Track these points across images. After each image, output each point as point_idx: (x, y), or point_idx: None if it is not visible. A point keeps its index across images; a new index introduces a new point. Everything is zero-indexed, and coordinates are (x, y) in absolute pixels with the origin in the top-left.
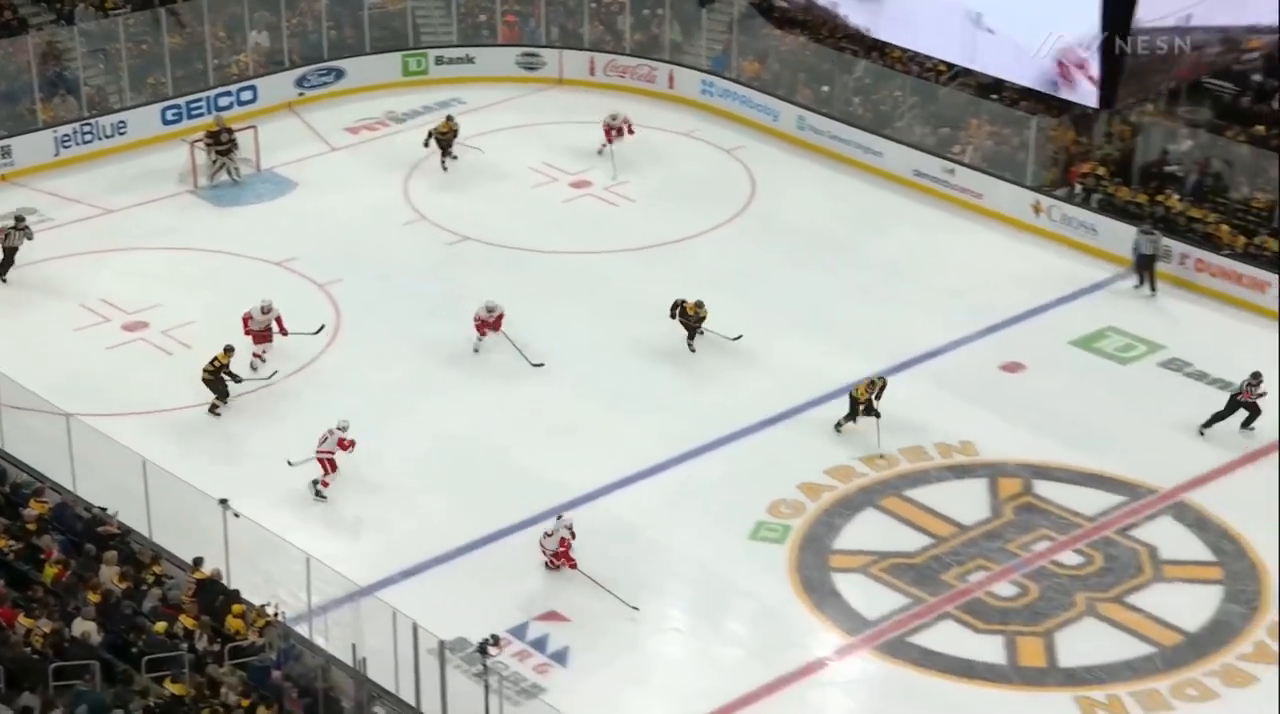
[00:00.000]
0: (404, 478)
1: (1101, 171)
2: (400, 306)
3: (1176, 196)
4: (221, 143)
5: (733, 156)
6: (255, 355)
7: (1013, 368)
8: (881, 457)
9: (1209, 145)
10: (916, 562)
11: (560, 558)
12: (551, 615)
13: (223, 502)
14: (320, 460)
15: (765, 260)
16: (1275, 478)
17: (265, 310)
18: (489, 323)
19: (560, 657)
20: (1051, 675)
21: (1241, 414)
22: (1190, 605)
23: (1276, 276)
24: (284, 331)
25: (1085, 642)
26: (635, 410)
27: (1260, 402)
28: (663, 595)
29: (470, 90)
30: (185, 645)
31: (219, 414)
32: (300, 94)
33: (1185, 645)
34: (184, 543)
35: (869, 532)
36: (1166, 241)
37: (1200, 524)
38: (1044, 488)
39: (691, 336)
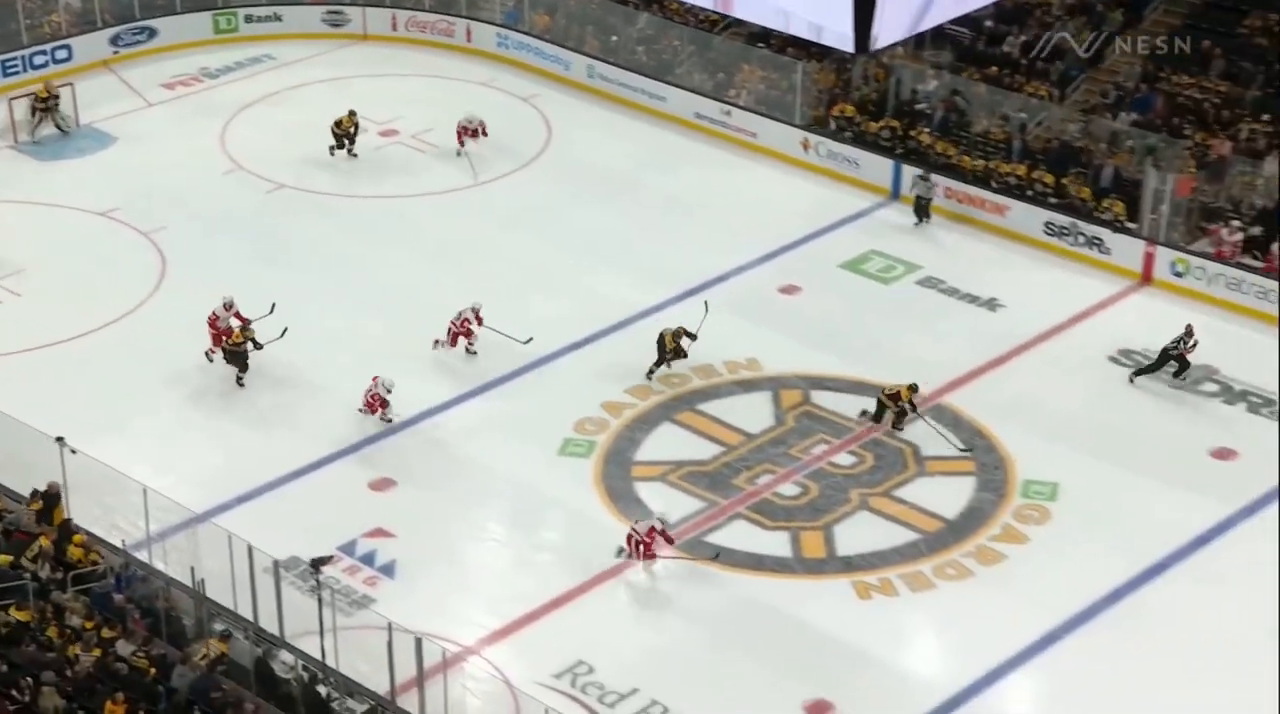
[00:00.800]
0: (234, 410)
1: (849, 111)
2: (224, 250)
3: (926, 131)
4: (46, 104)
5: (529, 104)
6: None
7: (789, 291)
8: (676, 375)
9: (951, 84)
10: (710, 469)
11: (647, 544)
12: (378, 532)
13: (59, 439)
14: (368, 402)
15: (563, 199)
16: (1020, 379)
17: (228, 307)
18: (468, 327)
19: (388, 569)
20: (831, 564)
21: (1174, 364)
22: (948, 496)
23: (1013, 201)
24: (244, 321)
25: (859, 533)
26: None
27: (1190, 355)
28: (481, 509)
29: (279, 47)
30: (28, 575)
31: (243, 385)
32: (115, 52)
33: (945, 531)
34: (24, 480)
35: (666, 443)
36: (936, 181)
37: (956, 423)
38: (821, 397)
39: (659, 365)
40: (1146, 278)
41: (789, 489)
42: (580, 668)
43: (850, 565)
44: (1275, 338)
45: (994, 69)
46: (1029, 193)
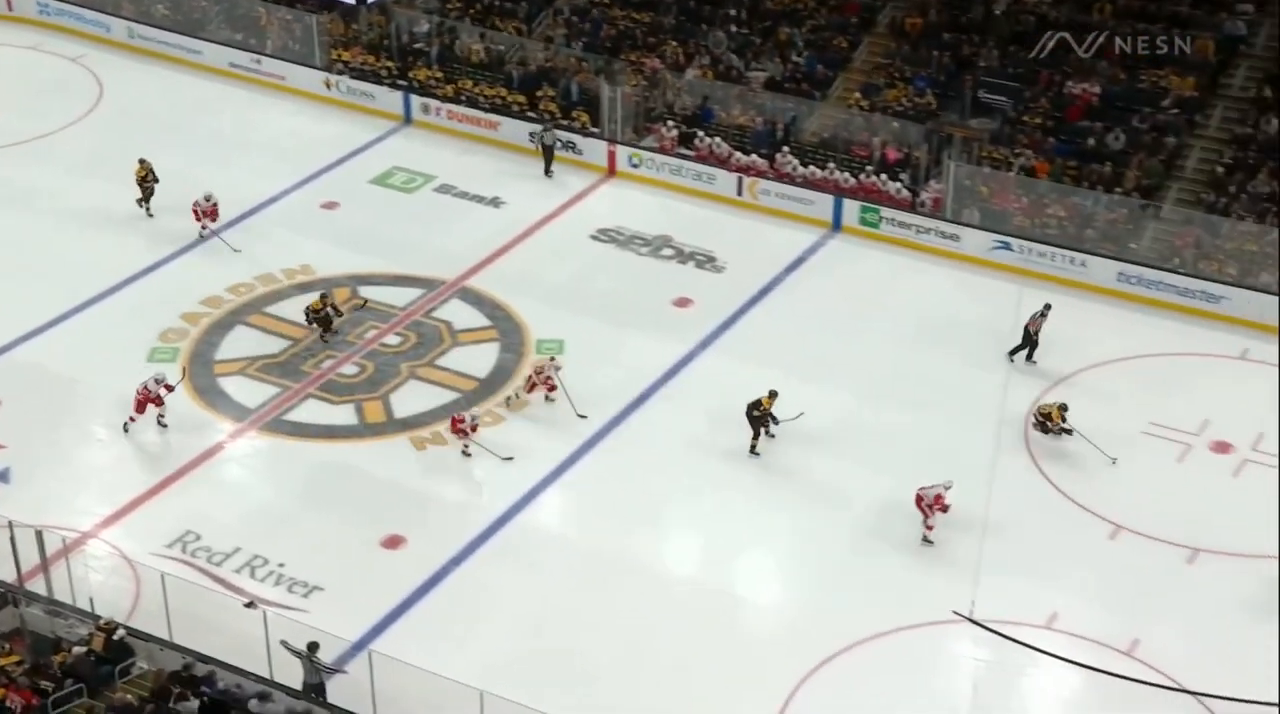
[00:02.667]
0: None
1: (348, 55)
2: None
3: (424, 66)
4: None
5: (78, 64)
6: (160, 417)
7: (330, 206)
8: (244, 285)
9: (442, 24)
10: (281, 360)
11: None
12: None
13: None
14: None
15: (126, 144)
16: (525, 260)
17: (158, 381)
18: (543, 381)
19: (3, 476)
20: (391, 426)
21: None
22: (479, 359)
23: (503, 118)
24: (170, 389)
25: (412, 398)
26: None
27: (1040, 333)
28: (84, 415)
29: None
30: None
31: (327, 341)
32: None
33: (480, 388)
34: None
35: (242, 343)
36: (556, 132)
37: (478, 301)
38: (368, 291)
39: (758, 436)
40: (611, 170)
41: (350, 369)
42: (189, 536)
43: (407, 425)
44: (714, 210)
45: (474, 9)
46: (513, 110)
